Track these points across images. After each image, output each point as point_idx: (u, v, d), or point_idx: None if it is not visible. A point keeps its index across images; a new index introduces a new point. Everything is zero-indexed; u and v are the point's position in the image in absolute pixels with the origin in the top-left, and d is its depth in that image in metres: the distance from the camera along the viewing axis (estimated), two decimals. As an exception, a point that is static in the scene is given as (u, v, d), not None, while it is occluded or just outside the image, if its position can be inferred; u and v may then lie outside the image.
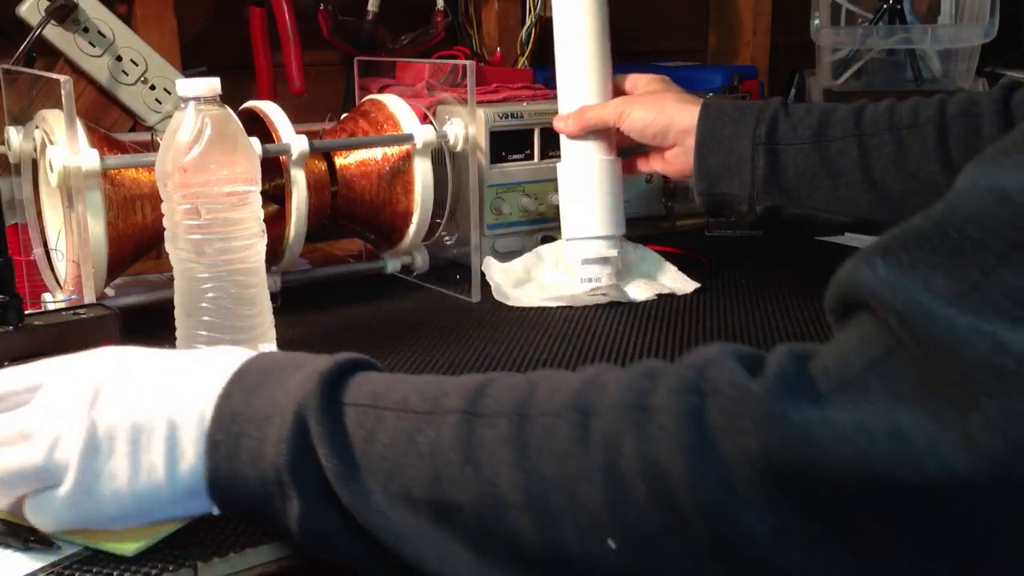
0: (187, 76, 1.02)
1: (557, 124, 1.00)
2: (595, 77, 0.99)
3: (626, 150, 1.02)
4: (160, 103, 1.15)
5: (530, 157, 1.13)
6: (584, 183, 1.00)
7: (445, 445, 0.45)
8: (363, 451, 0.47)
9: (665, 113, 0.95)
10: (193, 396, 0.52)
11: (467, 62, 1.02)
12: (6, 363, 0.58)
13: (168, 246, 0.78)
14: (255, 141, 0.87)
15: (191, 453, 0.51)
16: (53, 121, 0.84)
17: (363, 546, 0.48)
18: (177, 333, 0.79)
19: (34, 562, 0.54)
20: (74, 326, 0.63)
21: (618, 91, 1.01)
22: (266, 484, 0.49)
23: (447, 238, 1.11)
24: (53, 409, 0.51)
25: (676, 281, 1.05)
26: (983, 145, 0.83)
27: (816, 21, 1.46)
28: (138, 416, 0.51)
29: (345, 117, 1.07)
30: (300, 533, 0.48)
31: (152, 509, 0.51)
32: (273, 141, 0.93)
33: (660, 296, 1.02)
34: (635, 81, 1.01)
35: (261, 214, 0.79)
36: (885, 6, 1.45)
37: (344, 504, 0.47)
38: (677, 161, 0.96)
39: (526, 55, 1.40)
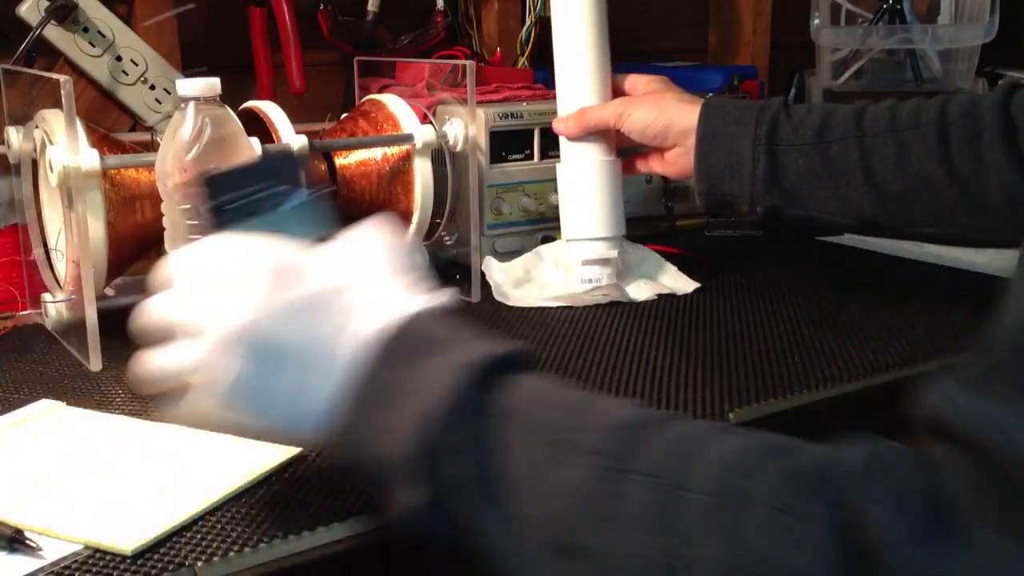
0: (187, 76, 1.02)
1: (557, 126, 1.00)
2: (594, 78, 0.99)
3: (625, 151, 1.02)
4: (160, 103, 1.15)
5: (530, 157, 1.13)
6: (584, 184, 1.00)
7: (582, 490, 0.44)
8: (491, 469, 0.46)
9: (665, 113, 0.95)
10: (349, 337, 0.52)
11: (467, 62, 1.02)
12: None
13: (168, 246, 0.78)
14: (255, 141, 0.87)
15: (333, 393, 0.51)
16: (53, 121, 0.84)
17: (458, 548, 0.48)
18: (177, 333, 0.79)
19: (34, 562, 0.54)
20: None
21: (617, 92, 1.01)
22: (392, 461, 0.49)
23: (447, 238, 1.11)
24: (221, 317, 0.52)
25: (676, 281, 1.05)
26: (983, 147, 0.83)
27: (816, 21, 1.46)
28: (299, 341, 0.52)
29: (345, 117, 1.07)
30: (399, 518, 0.49)
31: (293, 428, 0.53)
32: (273, 141, 0.93)
33: (660, 296, 1.02)
34: (635, 82, 1.01)
35: (261, 214, 0.79)
36: (885, 6, 1.44)
37: (457, 513, 0.47)
38: (677, 161, 0.96)
39: (526, 55, 1.40)
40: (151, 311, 0.55)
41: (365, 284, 0.54)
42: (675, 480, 0.43)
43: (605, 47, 0.99)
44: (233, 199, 0.59)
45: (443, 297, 0.54)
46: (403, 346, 0.51)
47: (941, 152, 0.85)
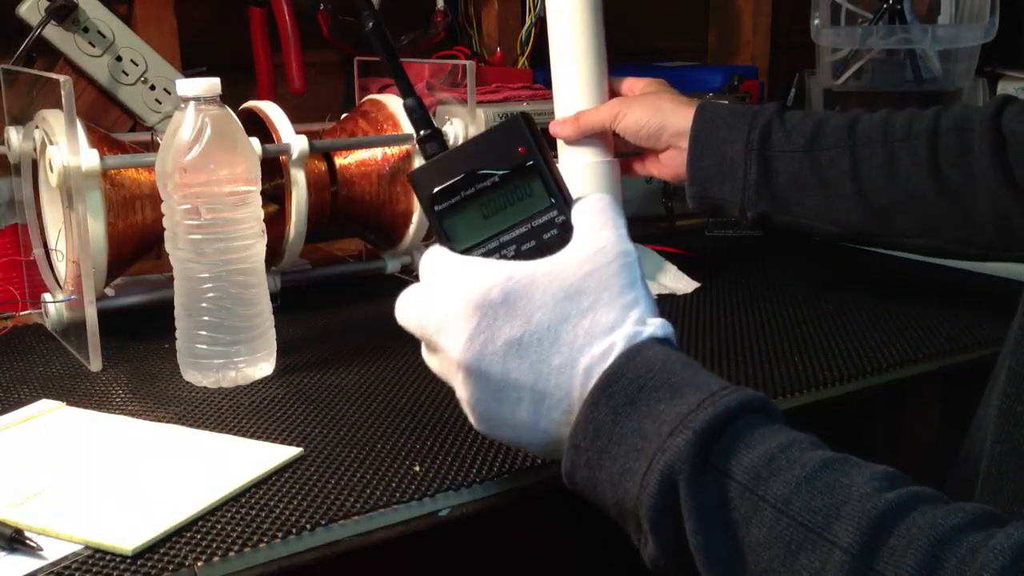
0: (187, 76, 1.02)
1: (554, 129, 1.00)
2: (591, 81, 0.99)
3: (621, 155, 1.02)
4: (160, 103, 1.15)
5: (530, 157, 1.13)
6: (582, 185, 1.00)
7: None
8: (734, 537, 0.45)
9: (660, 115, 0.95)
10: (579, 376, 0.52)
11: (467, 62, 1.02)
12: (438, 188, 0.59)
13: (168, 246, 0.78)
14: (255, 141, 0.87)
15: (566, 430, 0.52)
16: (53, 121, 0.84)
17: None
18: (177, 333, 0.79)
19: (34, 562, 0.54)
20: (487, 139, 0.62)
21: (614, 94, 1.01)
22: (623, 511, 0.49)
23: (447, 238, 1.10)
24: (451, 345, 0.54)
25: (676, 281, 1.05)
26: (973, 161, 0.83)
27: (816, 21, 1.46)
28: (527, 377, 0.52)
29: (345, 117, 1.07)
30: (649, 565, 0.48)
31: (530, 450, 0.56)
32: (273, 141, 0.93)
33: (660, 296, 1.02)
34: (632, 84, 1.01)
35: (261, 214, 0.80)
36: (885, 6, 1.44)
37: (700, 571, 0.46)
38: (671, 163, 0.96)
39: (526, 55, 1.40)
40: (399, 307, 0.58)
41: (592, 310, 0.53)
42: None
43: (601, 49, 0.99)
44: (448, 191, 0.58)
45: (664, 325, 0.53)
46: (624, 392, 0.50)
47: (930, 164, 0.85)
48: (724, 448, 0.46)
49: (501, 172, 0.58)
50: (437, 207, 0.58)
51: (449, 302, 0.54)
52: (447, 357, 0.54)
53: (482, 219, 0.58)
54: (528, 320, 0.52)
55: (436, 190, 0.58)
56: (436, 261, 0.56)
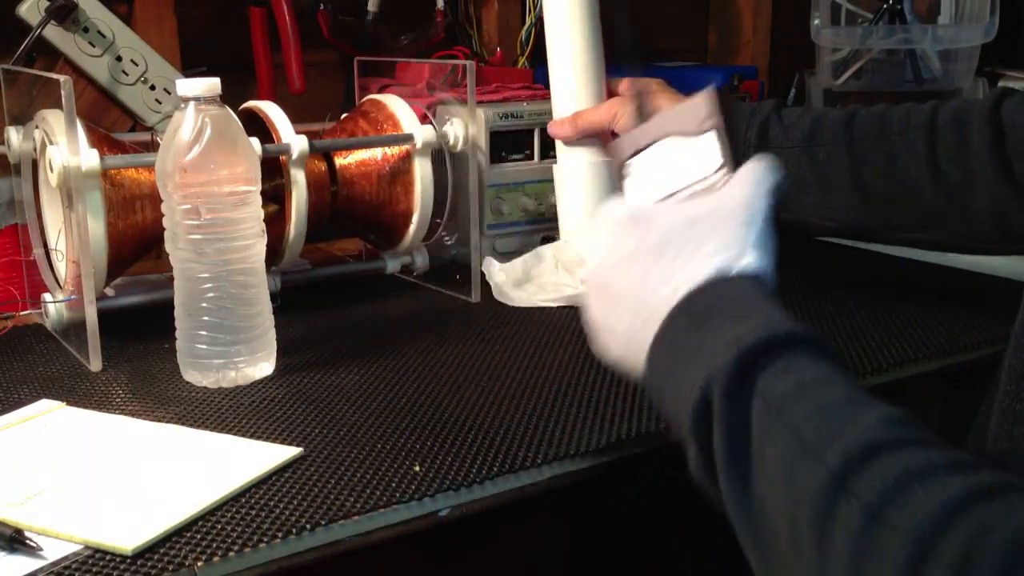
0: (187, 76, 1.02)
1: (552, 129, 1.00)
2: (588, 81, 0.98)
3: None
4: (160, 103, 1.15)
5: (530, 157, 1.13)
6: (580, 185, 1.00)
7: (805, 497, 0.44)
8: (749, 452, 0.47)
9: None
10: (670, 294, 0.54)
11: (467, 62, 1.02)
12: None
13: (168, 246, 0.78)
14: (255, 141, 0.87)
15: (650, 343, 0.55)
16: (53, 121, 0.84)
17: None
18: (177, 333, 0.80)
19: (34, 562, 0.54)
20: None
21: (611, 94, 1.01)
22: (679, 415, 0.51)
23: (447, 238, 1.11)
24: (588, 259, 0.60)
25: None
26: (971, 154, 0.83)
27: (816, 21, 1.46)
28: (630, 289, 0.56)
29: (345, 117, 1.07)
30: (694, 476, 0.51)
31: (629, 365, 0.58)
32: (273, 141, 0.93)
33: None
34: (630, 84, 1.01)
35: (261, 214, 0.80)
36: (885, 6, 1.44)
37: (716, 480, 0.48)
38: None
39: (526, 55, 1.40)
40: (577, 240, 0.65)
41: (702, 238, 0.56)
42: (883, 514, 0.41)
43: (598, 49, 0.99)
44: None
45: (761, 261, 0.55)
46: (700, 310, 0.53)
47: (929, 158, 0.85)
48: (763, 370, 0.48)
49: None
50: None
51: (600, 224, 0.60)
52: (583, 273, 0.60)
53: (665, 169, 0.66)
54: (644, 236, 0.57)
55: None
56: (607, 207, 0.62)
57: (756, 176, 0.60)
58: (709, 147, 0.66)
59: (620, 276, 0.57)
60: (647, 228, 0.57)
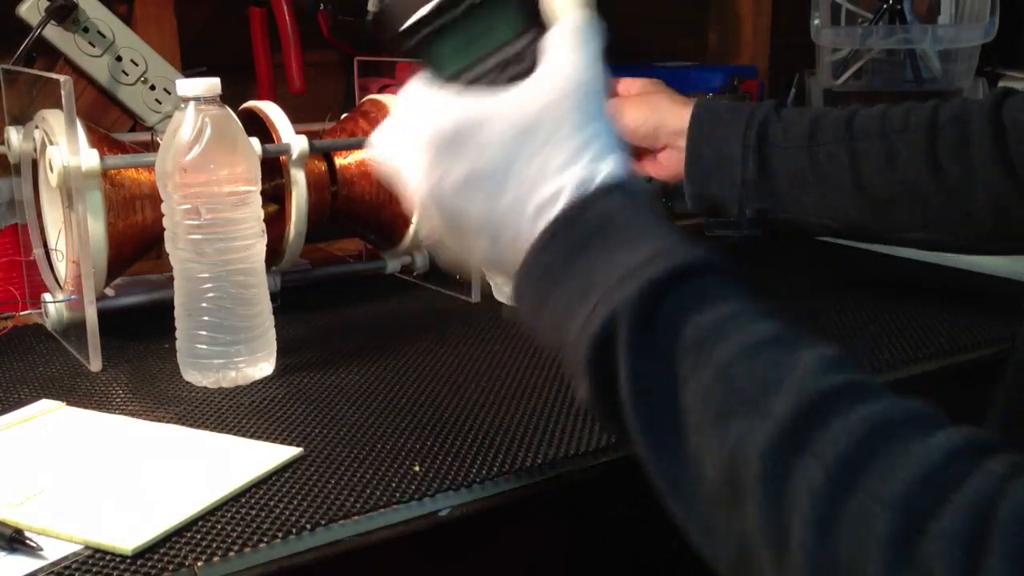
0: (187, 76, 1.02)
1: None
2: None
3: None
4: (160, 103, 1.15)
5: (530, 157, 1.12)
6: None
7: (750, 451, 0.40)
8: (665, 394, 0.44)
9: (657, 114, 0.94)
10: (507, 208, 0.51)
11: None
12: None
13: (168, 246, 0.78)
14: (255, 141, 0.87)
15: (510, 262, 0.52)
16: (53, 121, 0.84)
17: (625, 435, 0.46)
18: (177, 333, 0.80)
19: (34, 562, 0.54)
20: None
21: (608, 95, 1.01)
22: (564, 353, 0.48)
23: (447, 238, 1.10)
24: (414, 180, 0.54)
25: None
26: (972, 153, 0.83)
27: (816, 21, 1.46)
28: (481, 213, 0.52)
29: (345, 117, 1.07)
30: (584, 406, 0.48)
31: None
32: (273, 141, 0.93)
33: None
34: (627, 84, 1.01)
35: (261, 214, 0.80)
36: (885, 6, 1.44)
37: (624, 422, 0.45)
38: (669, 163, 0.96)
39: (526, 55, 1.40)
40: (373, 141, 0.58)
41: (544, 148, 0.51)
42: (850, 483, 0.38)
43: None
44: (430, 17, 0.55)
45: (620, 164, 0.51)
46: (576, 235, 0.49)
47: (929, 157, 0.85)
48: (673, 305, 0.45)
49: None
50: (418, 35, 0.55)
51: (409, 138, 0.54)
52: (410, 191, 0.54)
53: (466, 44, 0.55)
54: (479, 156, 0.51)
55: (417, 16, 0.55)
56: (408, 92, 0.55)
57: (578, 43, 0.53)
58: (510, 3, 0.54)
59: (464, 200, 0.52)
60: (474, 147, 0.51)
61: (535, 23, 0.54)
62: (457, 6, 0.54)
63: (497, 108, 0.51)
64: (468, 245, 0.54)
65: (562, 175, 0.50)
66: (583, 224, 0.49)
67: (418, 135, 0.53)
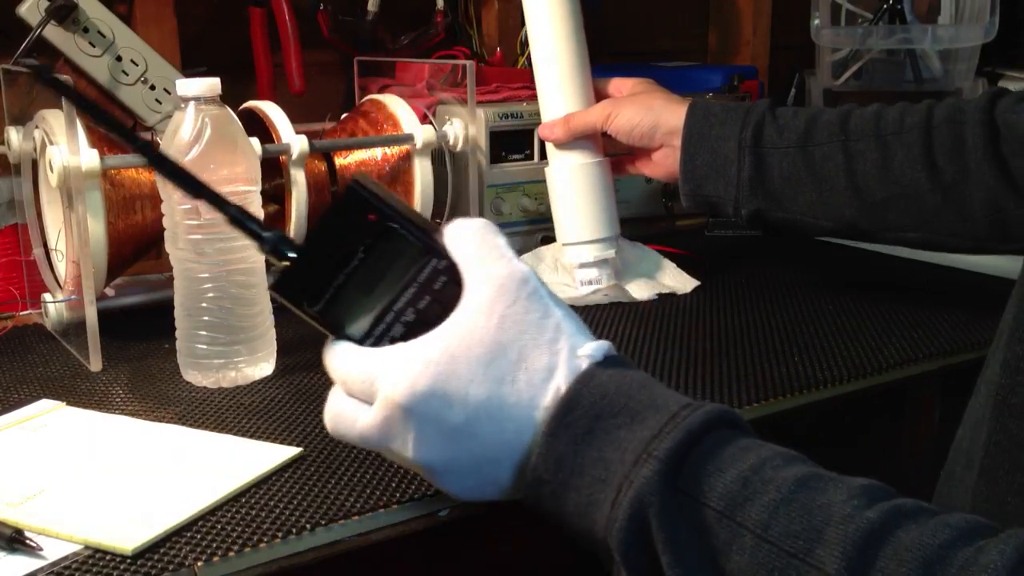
0: (187, 76, 1.02)
1: (543, 132, 1.00)
2: (575, 83, 0.98)
3: (610, 155, 1.02)
4: (160, 103, 1.14)
5: (530, 157, 1.13)
6: (574, 188, 1.00)
7: None
8: (713, 566, 0.44)
9: (652, 114, 0.95)
10: (516, 431, 0.49)
11: (467, 62, 1.02)
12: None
13: (168, 246, 0.78)
14: (255, 141, 0.87)
15: (508, 480, 0.50)
16: (53, 121, 0.84)
17: None
18: (177, 333, 0.80)
19: (34, 562, 0.54)
20: (333, 222, 0.55)
21: (601, 95, 1.01)
22: (594, 541, 0.47)
23: (447, 238, 1.10)
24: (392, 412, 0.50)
25: (676, 279, 1.05)
26: (966, 153, 0.83)
27: (816, 21, 1.46)
28: (487, 451, 0.50)
29: (345, 117, 1.07)
30: None
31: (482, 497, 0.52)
32: (273, 141, 0.93)
33: (660, 296, 1.02)
34: (619, 85, 1.01)
35: (261, 214, 0.80)
36: (885, 6, 1.44)
37: None
38: (664, 162, 0.96)
39: (526, 55, 1.40)
40: (334, 425, 0.53)
41: (523, 361, 0.49)
42: None
43: (583, 52, 0.99)
44: (320, 288, 0.53)
45: (600, 347, 0.50)
46: (579, 421, 0.48)
47: (924, 157, 0.85)
48: (693, 473, 0.45)
49: (363, 246, 0.53)
50: (315, 307, 0.54)
51: (381, 414, 0.50)
52: (406, 461, 0.51)
53: (366, 298, 0.53)
54: (465, 400, 0.49)
55: (307, 292, 0.54)
56: (347, 366, 0.52)
57: (491, 246, 0.51)
58: (399, 242, 0.52)
59: (467, 449, 0.50)
60: (460, 390, 0.49)
61: (429, 250, 0.53)
62: (343, 268, 0.53)
63: (458, 342, 0.49)
64: (487, 482, 0.51)
65: (553, 379, 0.49)
66: (587, 407, 0.48)
67: (391, 410, 0.49)
